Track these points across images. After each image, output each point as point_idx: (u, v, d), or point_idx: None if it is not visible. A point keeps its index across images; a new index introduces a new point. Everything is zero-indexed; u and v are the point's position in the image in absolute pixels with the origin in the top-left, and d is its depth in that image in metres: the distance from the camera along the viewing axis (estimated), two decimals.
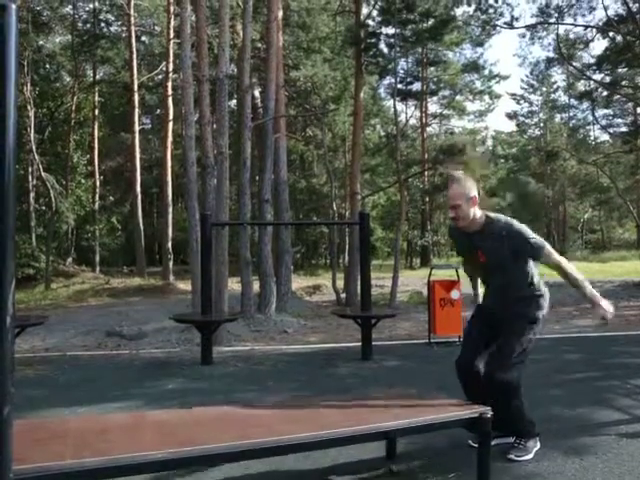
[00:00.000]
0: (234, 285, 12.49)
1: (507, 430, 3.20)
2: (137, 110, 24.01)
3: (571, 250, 37.65)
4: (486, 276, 3.28)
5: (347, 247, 20.51)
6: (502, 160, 40.10)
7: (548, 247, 3.06)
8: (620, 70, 19.59)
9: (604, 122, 32.18)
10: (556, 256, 3.08)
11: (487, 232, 3.07)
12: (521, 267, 3.10)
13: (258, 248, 11.62)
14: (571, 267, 3.09)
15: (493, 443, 3.09)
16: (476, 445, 3.16)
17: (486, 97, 33.54)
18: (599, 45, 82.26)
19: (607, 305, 3.03)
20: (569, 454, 3.13)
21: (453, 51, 27.33)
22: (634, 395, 4.41)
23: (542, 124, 42.05)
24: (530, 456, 3.06)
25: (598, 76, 19.92)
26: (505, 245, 3.02)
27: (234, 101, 19.53)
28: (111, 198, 27.49)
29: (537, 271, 3.17)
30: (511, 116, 43.10)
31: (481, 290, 3.47)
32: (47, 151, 23.40)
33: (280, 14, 12.51)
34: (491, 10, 16.24)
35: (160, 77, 26.49)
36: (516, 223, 3.07)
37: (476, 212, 3.09)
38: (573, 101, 37.05)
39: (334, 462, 3.02)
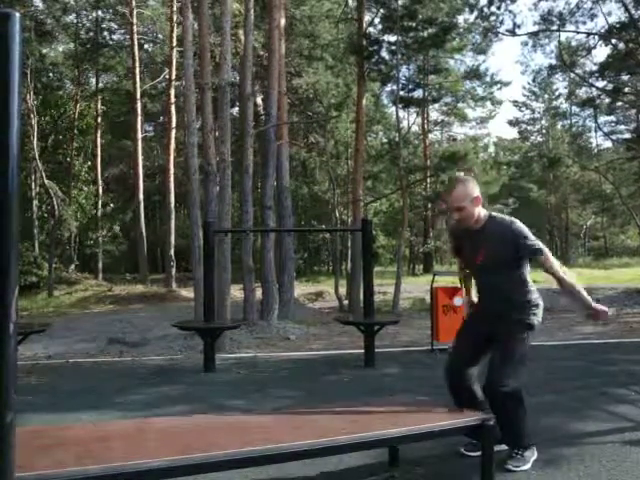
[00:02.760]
0: (237, 292, 12.49)
1: (502, 439, 3.16)
2: (140, 118, 24.09)
3: (573, 257, 37.61)
4: (482, 277, 3.24)
5: (350, 254, 20.49)
6: (504, 167, 40.10)
7: (547, 250, 3.07)
8: (622, 77, 19.61)
9: (607, 129, 32.21)
10: (554, 260, 3.08)
11: (489, 231, 3.10)
12: (518, 268, 3.10)
13: (260, 255, 11.62)
14: (568, 273, 3.10)
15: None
16: (469, 454, 3.15)
17: (488, 103, 33.60)
18: (601, 52, 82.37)
19: (602, 308, 3.06)
20: (573, 461, 3.11)
21: (454, 59, 27.40)
22: (638, 402, 4.39)
23: (544, 131, 42.10)
24: (528, 466, 3.02)
25: (600, 83, 19.95)
26: (506, 243, 3.03)
27: (236, 108, 19.60)
28: (111, 205, 27.50)
29: (530, 279, 3.18)
30: (513, 123, 43.20)
31: (474, 294, 3.46)
32: (50, 159, 23.51)
33: (282, 22, 12.56)
34: (493, 17, 16.29)
35: (162, 85, 26.59)
36: (519, 223, 3.09)
37: (480, 211, 3.12)
38: (575, 108, 37.12)
39: (335, 469, 3.01)
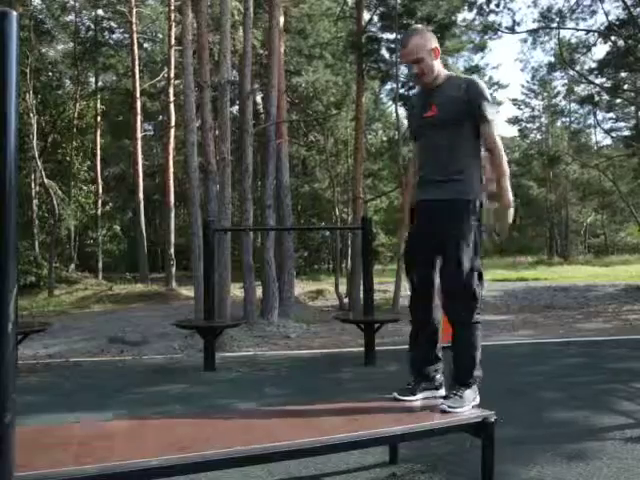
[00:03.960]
0: (237, 291, 12.50)
1: (437, 379, 3.01)
2: (139, 117, 24.09)
3: (574, 254, 37.61)
4: (427, 136, 2.91)
5: (350, 252, 20.51)
6: None
7: (494, 125, 2.81)
8: (622, 74, 19.60)
9: (606, 126, 32.20)
10: (497, 137, 2.81)
11: (445, 86, 2.84)
12: (468, 128, 2.83)
13: (260, 254, 11.63)
14: (504, 157, 2.83)
15: (421, 396, 2.94)
16: (402, 398, 2.95)
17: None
18: (601, 49, 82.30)
19: (509, 212, 2.80)
20: (574, 459, 3.11)
21: (453, 56, 27.38)
22: (639, 399, 4.39)
23: (544, 128, 42.10)
24: (466, 408, 2.74)
25: (600, 80, 19.93)
26: (460, 96, 2.77)
27: (236, 107, 19.59)
28: (111, 204, 27.51)
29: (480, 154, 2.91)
30: (513, 121, 43.21)
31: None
32: (50, 158, 23.50)
33: (281, 20, 12.55)
34: (492, 15, 16.30)
35: (162, 84, 26.59)
36: (480, 80, 2.88)
37: (440, 68, 2.87)
38: (574, 105, 37.13)
39: (336, 467, 3.01)
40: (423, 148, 2.98)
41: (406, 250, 3.10)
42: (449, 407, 2.72)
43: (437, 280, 2.97)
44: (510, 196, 2.82)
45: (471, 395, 2.81)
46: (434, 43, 2.84)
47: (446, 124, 2.81)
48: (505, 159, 2.85)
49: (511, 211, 2.86)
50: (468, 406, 2.75)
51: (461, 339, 2.93)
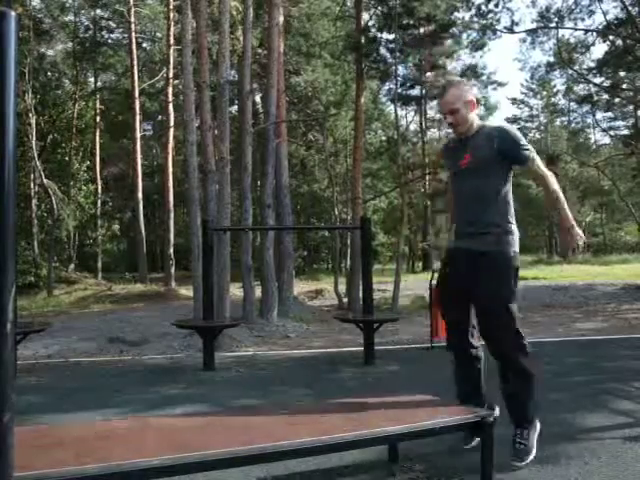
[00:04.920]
0: (236, 290, 12.50)
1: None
2: (138, 116, 24.08)
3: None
4: (463, 182, 3.00)
5: (349, 251, 20.51)
6: None
7: (537, 157, 2.91)
8: (620, 73, 19.61)
9: (605, 125, 32.22)
10: (543, 167, 2.92)
11: (479, 134, 2.93)
12: (502, 175, 2.93)
13: (260, 253, 11.63)
14: (556, 184, 2.93)
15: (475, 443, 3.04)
16: (467, 446, 3.11)
17: (485, 102, 33.64)
18: (599, 49, 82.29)
19: (578, 234, 2.89)
20: (573, 458, 3.11)
21: (452, 57, 27.41)
22: (638, 398, 4.39)
23: (543, 128, 42.12)
24: (533, 451, 2.93)
25: (598, 80, 19.94)
26: (493, 143, 2.85)
27: (235, 107, 19.59)
28: (111, 204, 27.50)
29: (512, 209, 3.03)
30: (511, 121, 43.20)
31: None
32: (49, 158, 23.49)
33: (281, 20, 12.55)
34: (491, 15, 16.29)
35: (161, 83, 26.58)
36: (512, 127, 2.97)
37: (475, 119, 2.97)
38: (573, 105, 37.15)
39: (335, 466, 3.01)
40: (458, 194, 3.08)
41: (441, 293, 3.21)
42: (521, 463, 2.86)
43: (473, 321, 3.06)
44: (569, 219, 2.90)
45: (534, 433, 2.96)
46: (471, 95, 2.94)
47: (479, 172, 2.89)
48: (557, 187, 2.93)
49: (574, 232, 2.92)
50: (534, 447, 2.91)
51: (514, 385, 2.98)
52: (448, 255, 3.16)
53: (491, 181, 2.92)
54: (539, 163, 2.92)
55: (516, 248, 2.95)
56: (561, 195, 2.91)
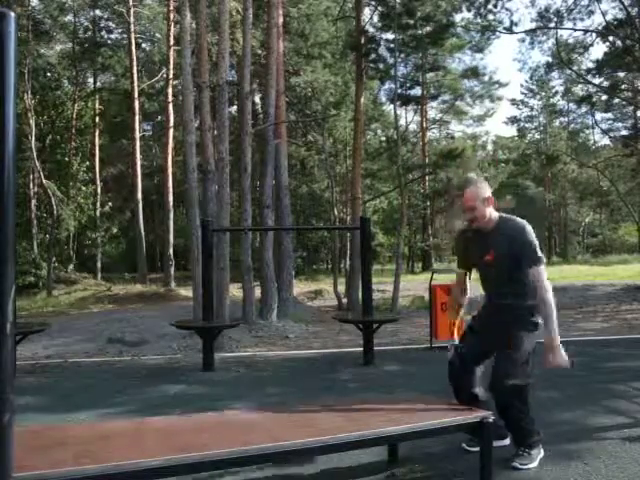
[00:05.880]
0: (235, 291, 12.49)
1: (505, 435, 3.22)
2: (137, 117, 24.05)
3: (572, 253, 37.64)
4: (491, 273, 3.24)
5: (349, 252, 20.51)
6: (503, 164, 40.15)
7: (543, 267, 3.06)
8: (619, 74, 19.61)
9: (604, 126, 32.22)
10: (545, 278, 3.05)
11: (501, 231, 3.13)
12: (523, 272, 3.09)
13: (259, 254, 11.63)
14: (552, 298, 3.04)
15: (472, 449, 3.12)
16: (471, 449, 3.16)
17: (486, 102, 33.65)
18: (598, 49, 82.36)
19: (562, 356, 2.96)
20: (572, 458, 3.11)
21: (452, 57, 27.42)
22: (637, 399, 4.39)
23: (542, 128, 42.14)
24: (535, 464, 3.03)
25: (597, 80, 19.94)
26: (515, 246, 3.06)
27: (235, 107, 19.58)
28: (110, 205, 27.47)
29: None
30: (511, 121, 43.25)
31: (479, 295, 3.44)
32: (48, 158, 23.46)
33: (280, 20, 12.55)
34: (490, 15, 16.29)
35: (160, 84, 26.56)
36: (529, 228, 3.10)
37: (492, 212, 3.17)
38: (572, 105, 37.16)
39: (335, 467, 3.02)
40: (487, 281, 3.31)
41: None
42: (520, 464, 3.01)
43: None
44: (556, 339, 2.97)
45: (537, 453, 3.10)
46: (487, 193, 3.17)
47: (502, 266, 3.13)
48: (552, 302, 3.01)
49: (559, 353, 2.97)
50: (536, 462, 3.05)
51: (511, 415, 3.12)
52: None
53: (513, 269, 3.11)
54: (542, 273, 3.05)
55: (540, 320, 3.09)
56: (554, 312, 3.00)
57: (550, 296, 3.02)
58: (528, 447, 3.08)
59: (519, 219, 3.18)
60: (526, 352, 3.06)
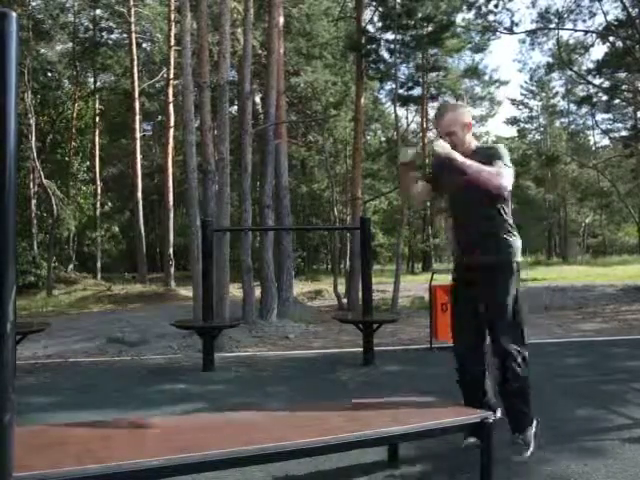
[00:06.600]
0: (235, 291, 12.49)
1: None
2: (138, 117, 24.07)
3: (572, 254, 37.62)
4: (463, 200, 3.11)
5: (348, 252, 20.51)
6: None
7: (507, 171, 2.96)
8: (620, 75, 19.61)
9: (604, 126, 32.23)
10: (501, 170, 2.94)
11: (477, 157, 2.99)
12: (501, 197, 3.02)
13: (259, 254, 11.62)
14: (492, 178, 2.93)
15: (472, 440, 3.00)
16: (470, 443, 3.10)
17: (486, 103, 33.69)
18: (599, 50, 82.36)
19: (444, 148, 2.91)
20: (572, 458, 3.11)
21: (452, 57, 27.44)
22: (637, 400, 4.39)
23: (542, 129, 42.12)
24: (532, 447, 3.00)
25: (598, 81, 19.94)
26: (486, 161, 2.94)
27: (235, 107, 19.59)
28: (110, 204, 27.49)
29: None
30: (511, 122, 43.21)
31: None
32: (48, 158, 23.49)
33: (281, 21, 12.55)
34: (491, 16, 16.30)
35: (161, 84, 26.56)
36: (502, 147, 3.05)
37: (471, 140, 3.06)
38: (573, 106, 37.15)
39: (336, 467, 3.01)
40: (455, 212, 3.22)
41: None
42: (520, 457, 2.96)
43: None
44: (456, 157, 2.90)
45: (531, 431, 3.04)
46: (467, 118, 3.04)
47: (473, 189, 2.95)
48: (490, 175, 2.91)
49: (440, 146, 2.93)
50: (532, 443, 3.01)
51: (513, 392, 3.05)
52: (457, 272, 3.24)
53: (486, 196, 2.98)
54: (506, 170, 2.96)
55: (518, 258, 3.06)
56: (480, 171, 2.90)
57: (495, 179, 2.90)
58: (525, 430, 3.03)
59: (500, 145, 3.09)
60: (515, 303, 2.99)
